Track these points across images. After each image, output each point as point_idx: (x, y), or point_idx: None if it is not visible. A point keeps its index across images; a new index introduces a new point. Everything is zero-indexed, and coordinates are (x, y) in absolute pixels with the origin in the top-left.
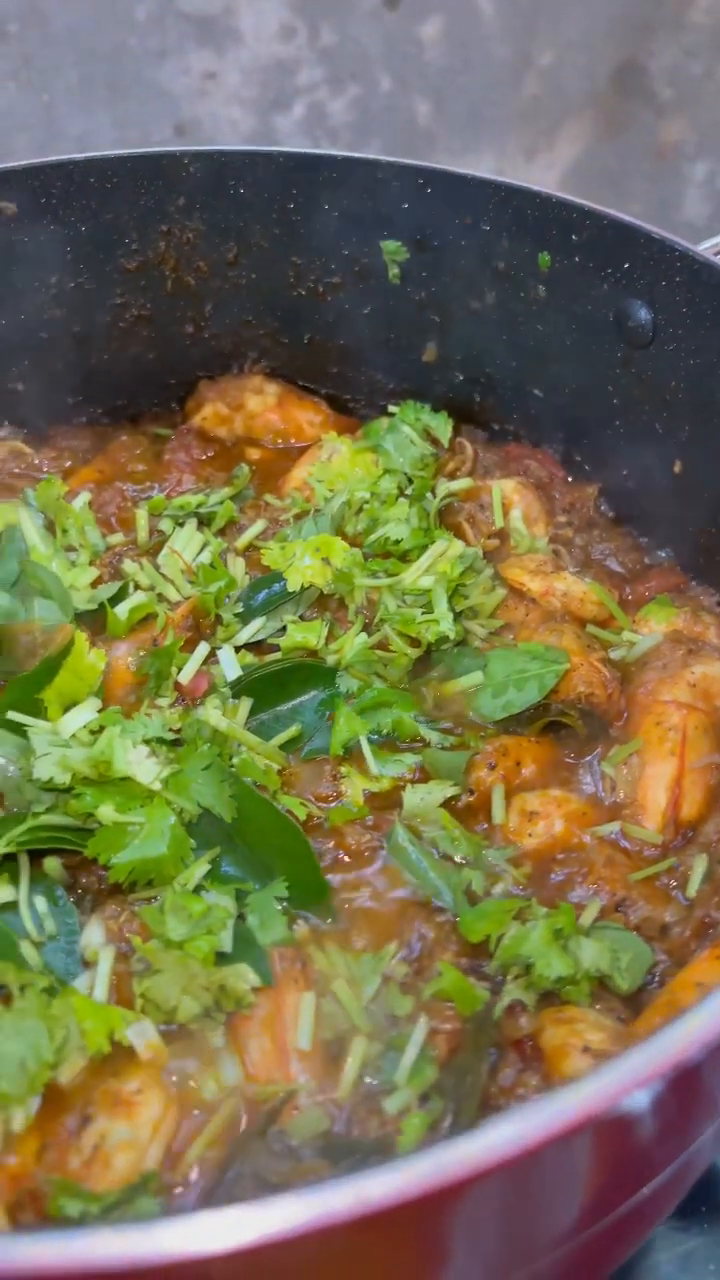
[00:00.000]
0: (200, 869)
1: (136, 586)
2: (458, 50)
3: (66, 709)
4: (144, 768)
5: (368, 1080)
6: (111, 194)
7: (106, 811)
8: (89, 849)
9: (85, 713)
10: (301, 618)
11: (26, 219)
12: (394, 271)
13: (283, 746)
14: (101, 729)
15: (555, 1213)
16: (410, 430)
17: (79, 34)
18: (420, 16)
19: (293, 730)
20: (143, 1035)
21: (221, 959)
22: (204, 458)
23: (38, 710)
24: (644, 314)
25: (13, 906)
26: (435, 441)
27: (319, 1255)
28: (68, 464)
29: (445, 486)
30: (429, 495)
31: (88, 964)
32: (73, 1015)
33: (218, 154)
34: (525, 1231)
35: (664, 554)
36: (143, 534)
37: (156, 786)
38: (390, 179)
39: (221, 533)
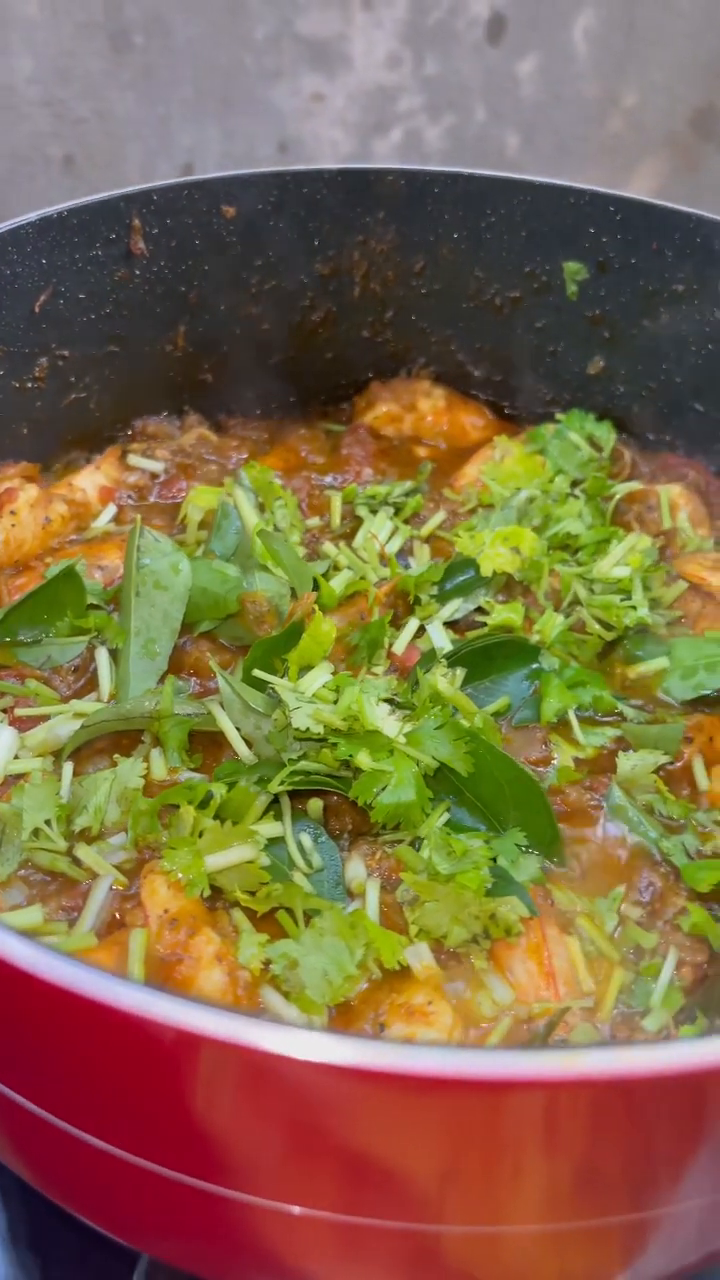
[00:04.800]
0: (441, 815)
1: (336, 567)
2: (551, 86)
3: (301, 671)
4: (389, 723)
5: (621, 1006)
6: (319, 204)
7: (364, 759)
8: (352, 792)
9: (323, 674)
10: (493, 600)
11: (243, 222)
12: (572, 290)
13: (492, 716)
14: (337, 689)
15: None
16: (576, 436)
17: (199, 48)
18: (520, 53)
19: (502, 701)
20: (419, 956)
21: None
22: (375, 453)
23: (275, 670)
24: None
25: (278, 842)
26: (597, 447)
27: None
28: (245, 454)
29: (621, 487)
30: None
31: (352, 895)
32: (365, 935)
33: (424, 173)
34: None
35: None
36: (336, 519)
37: (401, 740)
38: (582, 204)
39: (406, 522)
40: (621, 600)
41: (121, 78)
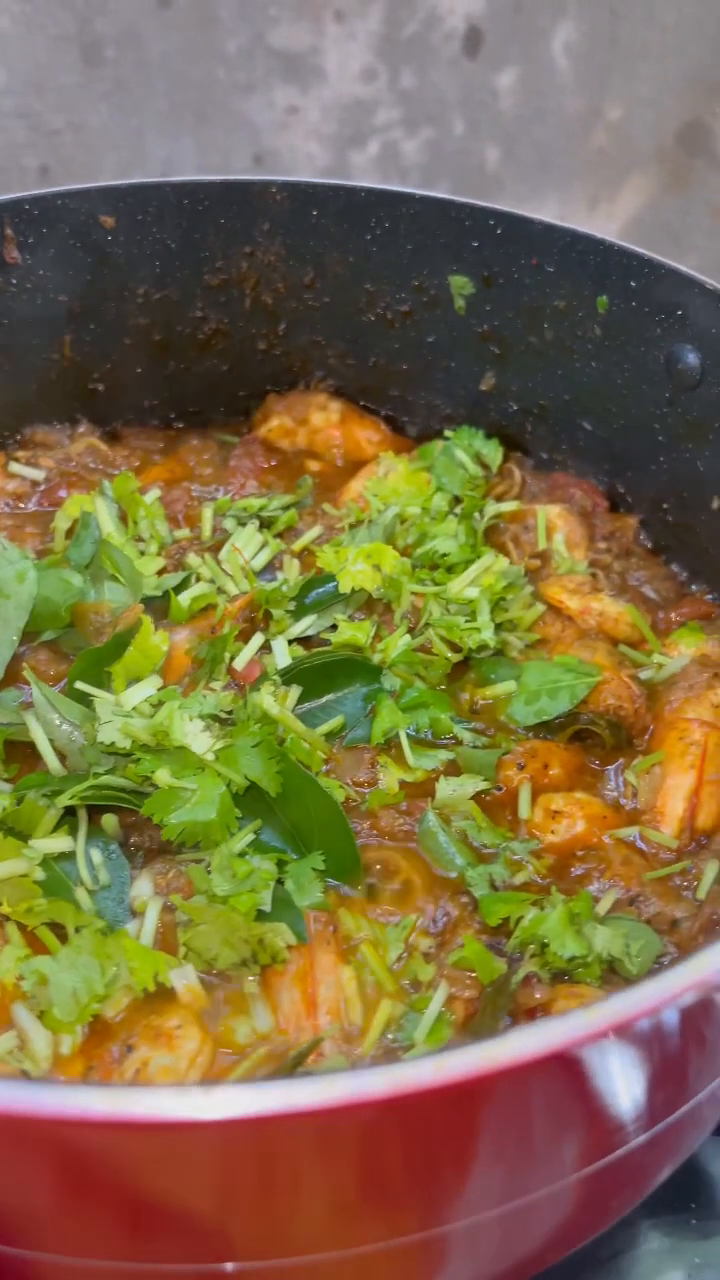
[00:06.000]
0: (245, 837)
1: (198, 578)
2: (531, 100)
3: (130, 684)
4: (199, 740)
5: (389, 1037)
6: (202, 215)
7: (163, 775)
8: (145, 808)
9: (147, 688)
10: (350, 618)
11: (123, 233)
12: (459, 304)
13: (325, 735)
14: (161, 704)
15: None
16: (462, 454)
17: (172, 62)
18: (498, 66)
19: (336, 720)
20: (184, 979)
21: (261, 917)
22: (267, 466)
23: (102, 682)
24: (693, 358)
25: (70, 856)
26: (485, 466)
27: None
28: (137, 463)
29: (493, 507)
30: (477, 514)
31: (136, 913)
32: (123, 955)
33: (305, 185)
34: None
35: (697, 586)
36: (206, 531)
37: (209, 758)
38: (463, 218)
39: (280, 536)
40: (467, 622)
41: (95, 90)
